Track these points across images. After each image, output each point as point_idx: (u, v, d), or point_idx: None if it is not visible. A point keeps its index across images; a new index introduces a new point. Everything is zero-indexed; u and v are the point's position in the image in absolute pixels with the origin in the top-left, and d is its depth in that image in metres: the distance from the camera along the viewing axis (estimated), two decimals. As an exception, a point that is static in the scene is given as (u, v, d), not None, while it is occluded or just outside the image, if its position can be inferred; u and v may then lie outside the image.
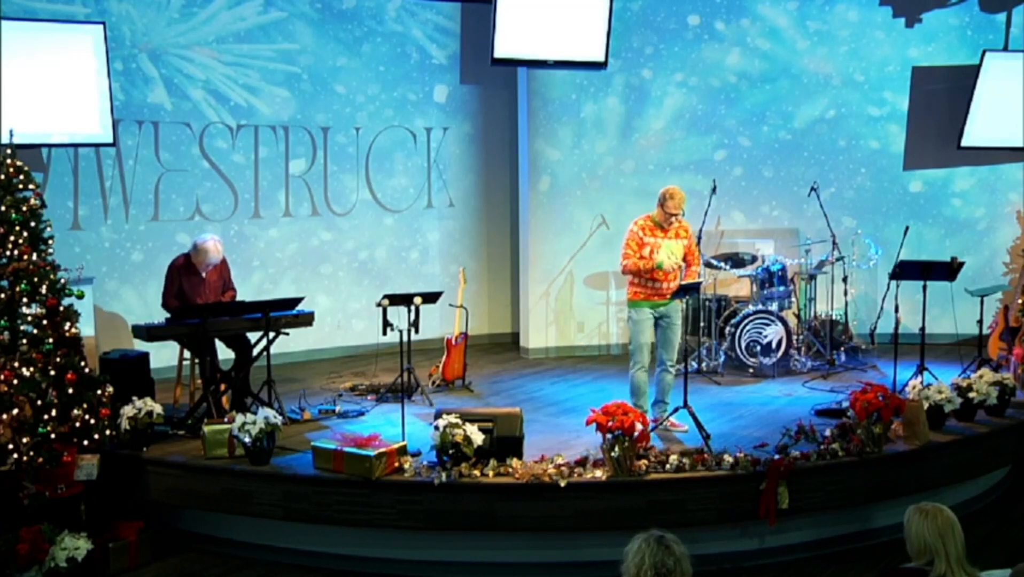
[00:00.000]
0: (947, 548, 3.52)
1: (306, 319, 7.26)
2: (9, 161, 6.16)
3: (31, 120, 7.43)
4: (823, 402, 7.37)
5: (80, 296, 6.27)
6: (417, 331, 7.39)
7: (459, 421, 5.69)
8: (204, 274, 7.27)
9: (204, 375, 7.02)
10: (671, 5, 9.78)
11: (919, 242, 9.65)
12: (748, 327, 8.55)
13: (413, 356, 7.66)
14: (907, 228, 8.42)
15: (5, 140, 6.33)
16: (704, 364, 8.71)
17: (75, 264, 7.60)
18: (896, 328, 7.52)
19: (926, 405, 6.35)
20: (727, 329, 8.66)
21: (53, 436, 5.82)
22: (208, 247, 7.20)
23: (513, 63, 9.39)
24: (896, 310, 7.54)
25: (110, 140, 8.21)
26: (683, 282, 6.73)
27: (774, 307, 8.67)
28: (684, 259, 6.88)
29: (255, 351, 7.16)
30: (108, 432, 6.08)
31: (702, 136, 9.93)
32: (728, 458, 5.76)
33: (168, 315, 7.06)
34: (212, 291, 7.32)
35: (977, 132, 9.61)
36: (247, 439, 5.86)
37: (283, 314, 7.08)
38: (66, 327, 6.06)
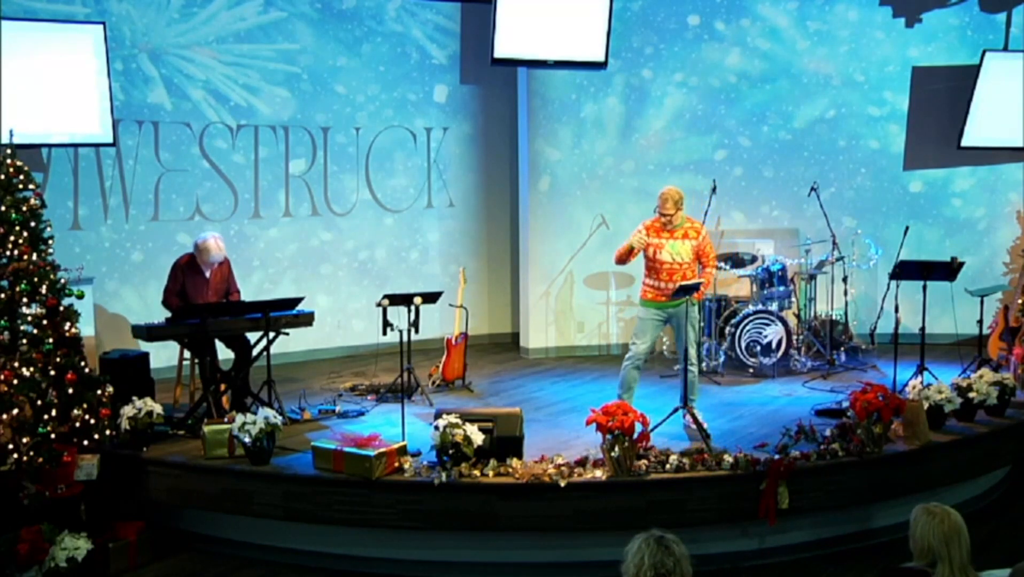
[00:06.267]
0: (951, 553, 3.46)
1: (306, 319, 7.27)
2: (9, 161, 6.16)
3: (31, 120, 7.42)
4: (823, 402, 7.37)
5: (80, 296, 6.27)
6: (417, 331, 7.40)
7: (459, 421, 5.69)
8: (207, 274, 7.27)
9: (204, 375, 7.03)
10: (671, 5, 9.77)
11: (919, 242, 9.65)
12: (748, 327, 8.55)
13: (413, 356, 7.66)
14: (907, 228, 8.43)
15: (5, 140, 6.33)
16: (704, 364, 8.69)
17: (75, 264, 7.58)
18: (896, 328, 7.52)
19: (926, 405, 6.34)
20: (727, 329, 8.66)
21: (53, 436, 5.82)
22: (209, 245, 7.20)
23: (513, 63, 9.38)
24: (896, 310, 7.54)
25: (110, 140, 8.21)
26: (682, 282, 6.73)
27: (774, 307, 8.67)
28: (699, 260, 6.91)
29: (255, 351, 7.16)
30: (108, 432, 6.08)
31: (702, 136, 9.92)
32: (728, 458, 5.76)
33: (168, 314, 7.06)
34: (215, 293, 7.31)
35: (977, 132, 9.60)
36: (247, 439, 5.86)
37: (283, 314, 7.08)
38: (66, 327, 6.06)
